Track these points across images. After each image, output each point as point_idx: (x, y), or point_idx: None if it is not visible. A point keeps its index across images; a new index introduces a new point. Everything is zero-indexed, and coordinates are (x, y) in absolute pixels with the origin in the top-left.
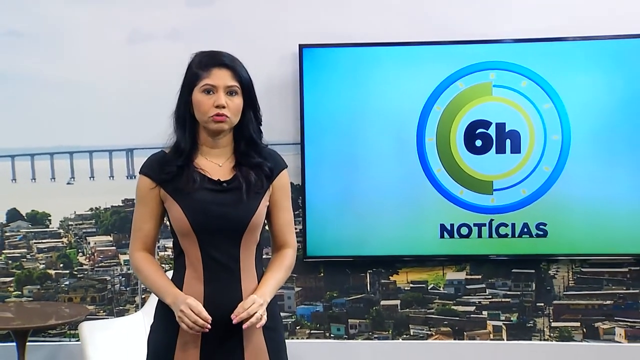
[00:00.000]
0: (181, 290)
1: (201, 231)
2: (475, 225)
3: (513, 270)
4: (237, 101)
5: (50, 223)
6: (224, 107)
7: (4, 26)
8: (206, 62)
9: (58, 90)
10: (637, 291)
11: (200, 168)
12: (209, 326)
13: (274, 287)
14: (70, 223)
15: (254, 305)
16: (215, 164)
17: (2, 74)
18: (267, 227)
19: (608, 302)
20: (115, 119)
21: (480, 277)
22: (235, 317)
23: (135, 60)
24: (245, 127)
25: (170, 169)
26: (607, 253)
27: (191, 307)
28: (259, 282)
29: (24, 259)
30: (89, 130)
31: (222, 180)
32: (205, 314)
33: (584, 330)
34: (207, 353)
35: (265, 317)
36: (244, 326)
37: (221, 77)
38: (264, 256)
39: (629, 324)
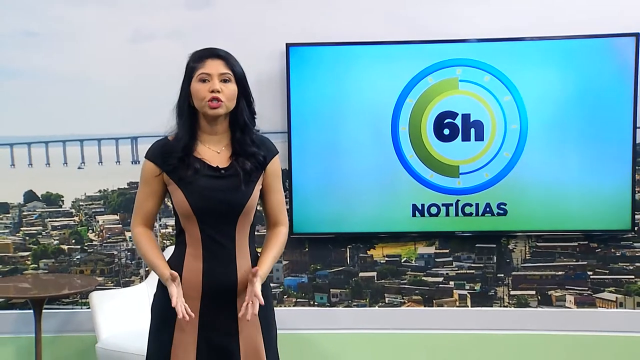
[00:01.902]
0: (182, 266)
1: (201, 214)
2: (443, 205)
3: (477, 245)
4: (231, 87)
5: (63, 203)
6: (218, 91)
7: (20, 27)
8: (201, 55)
9: (69, 84)
10: (585, 263)
11: (200, 156)
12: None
13: (271, 264)
14: (81, 203)
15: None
16: (214, 151)
17: (19, 70)
18: (260, 207)
19: (560, 272)
20: (120, 110)
21: (447, 251)
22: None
23: (138, 57)
24: (239, 115)
25: (172, 161)
26: (559, 229)
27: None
28: (251, 258)
29: (40, 236)
30: (97, 120)
31: (220, 167)
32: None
33: (539, 297)
34: (205, 319)
35: (259, 295)
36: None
37: (215, 66)
38: (256, 233)
39: (577, 291)
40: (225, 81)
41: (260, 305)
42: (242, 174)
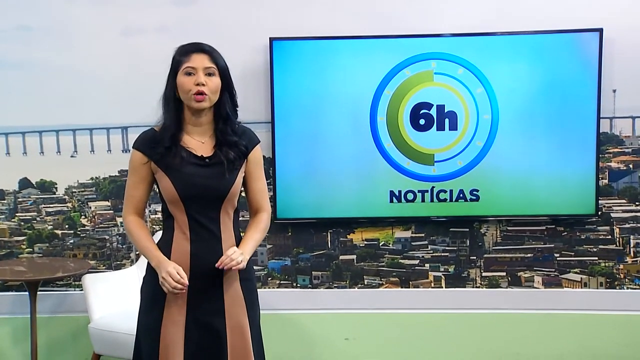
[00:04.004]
0: (170, 248)
1: (187, 199)
2: (419, 191)
3: (451, 229)
4: (215, 81)
5: (57, 190)
6: (203, 85)
7: (17, 21)
8: (187, 49)
9: (63, 77)
10: (552, 246)
11: (186, 146)
12: (185, 289)
13: (253, 246)
14: (74, 190)
15: (235, 253)
16: (199, 141)
17: (15, 62)
18: (243, 194)
19: (528, 255)
20: (111, 101)
21: (423, 235)
22: (220, 264)
23: (128, 51)
24: (222, 106)
25: (160, 149)
26: (528, 214)
27: (171, 275)
28: (236, 241)
29: (35, 221)
30: (89, 110)
31: (204, 156)
32: (184, 279)
33: (509, 278)
34: (193, 300)
35: (244, 263)
36: (226, 267)
37: (200, 60)
38: (240, 218)
39: (545, 272)
40: (209, 75)
41: (231, 267)
42: (225, 163)
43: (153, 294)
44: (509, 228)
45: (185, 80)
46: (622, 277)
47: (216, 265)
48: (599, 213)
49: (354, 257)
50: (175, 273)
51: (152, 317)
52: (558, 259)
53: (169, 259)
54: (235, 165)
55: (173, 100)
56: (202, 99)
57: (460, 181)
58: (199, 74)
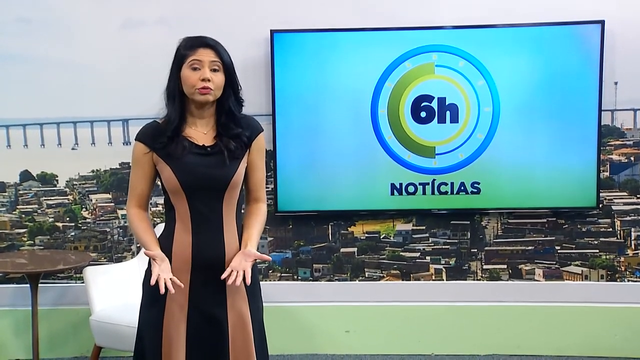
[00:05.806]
0: (172, 240)
1: (189, 189)
2: (420, 184)
3: (451, 222)
4: (220, 77)
5: (58, 183)
6: (209, 80)
7: (16, 14)
8: (192, 43)
9: (63, 69)
10: (553, 238)
11: (188, 136)
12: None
13: (258, 239)
14: (74, 183)
15: (240, 264)
16: (201, 132)
17: (15, 55)
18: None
19: (529, 247)
20: (112, 93)
21: (424, 227)
22: (227, 279)
23: (129, 43)
24: (225, 102)
25: (162, 139)
26: (529, 207)
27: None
28: (238, 233)
29: (36, 214)
30: (90, 103)
31: (206, 145)
32: (168, 282)
33: (510, 271)
34: (194, 293)
35: (249, 269)
36: (229, 282)
37: (206, 55)
38: (242, 210)
39: (545, 265)
40: (214, 70)
41: (245, 282)
42: (226, 152)
43: (155, 287)
44: (509, 221)
45: (190, 74)
46: (622, 269)
47: (222, 277)
48: (600, 206)
49: (355, 249)
50: (164, 274)
51: (154, 310)
52: (559, 251)
53: (171, 251)
54: (236, 154)
55: (177, 94)
56: (207, 92)
57: (461, 174)
58: (205, 69)
